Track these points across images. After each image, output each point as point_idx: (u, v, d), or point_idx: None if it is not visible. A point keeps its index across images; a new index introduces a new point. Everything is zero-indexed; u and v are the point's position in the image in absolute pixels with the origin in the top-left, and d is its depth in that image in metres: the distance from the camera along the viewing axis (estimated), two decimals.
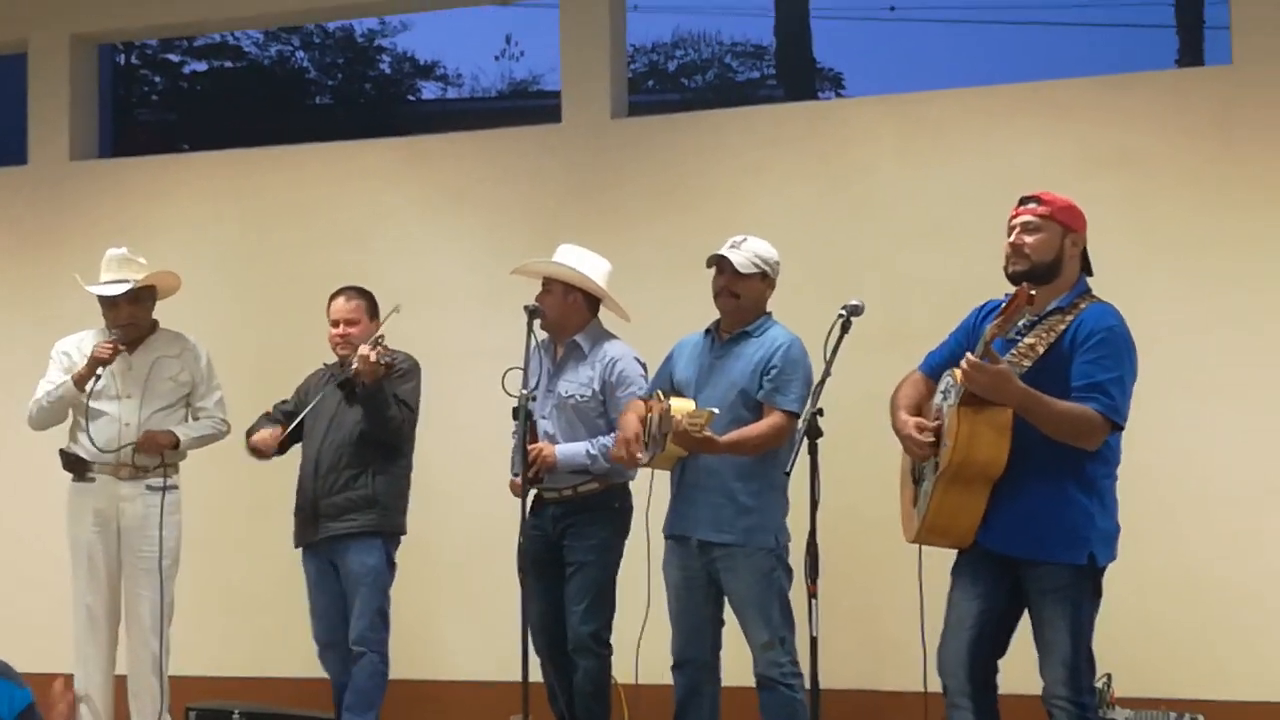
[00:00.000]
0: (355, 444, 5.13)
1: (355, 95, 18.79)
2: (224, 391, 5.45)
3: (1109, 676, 4.95)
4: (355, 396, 5.09)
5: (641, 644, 4.72)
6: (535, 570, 4.70)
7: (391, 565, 5.26)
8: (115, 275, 5.16)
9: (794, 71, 18.09)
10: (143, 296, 5.20)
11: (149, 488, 5.13)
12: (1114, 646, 4.98)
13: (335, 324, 5.26)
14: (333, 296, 5.33)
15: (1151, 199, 5.75)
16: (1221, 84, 5.81)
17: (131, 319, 5.14)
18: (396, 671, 5.31)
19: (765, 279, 4.62)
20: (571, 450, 4.82)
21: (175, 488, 5.21)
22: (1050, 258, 3.93)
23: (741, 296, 4.58)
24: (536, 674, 4.90)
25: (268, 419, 5.36)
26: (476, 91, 20.95)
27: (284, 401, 5.42)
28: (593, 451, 4.82)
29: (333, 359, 5.33)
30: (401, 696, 5.47)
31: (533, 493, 4.79)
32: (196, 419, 5.31)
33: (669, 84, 20.04)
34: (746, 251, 4.58)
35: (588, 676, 4.84)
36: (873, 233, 6.01)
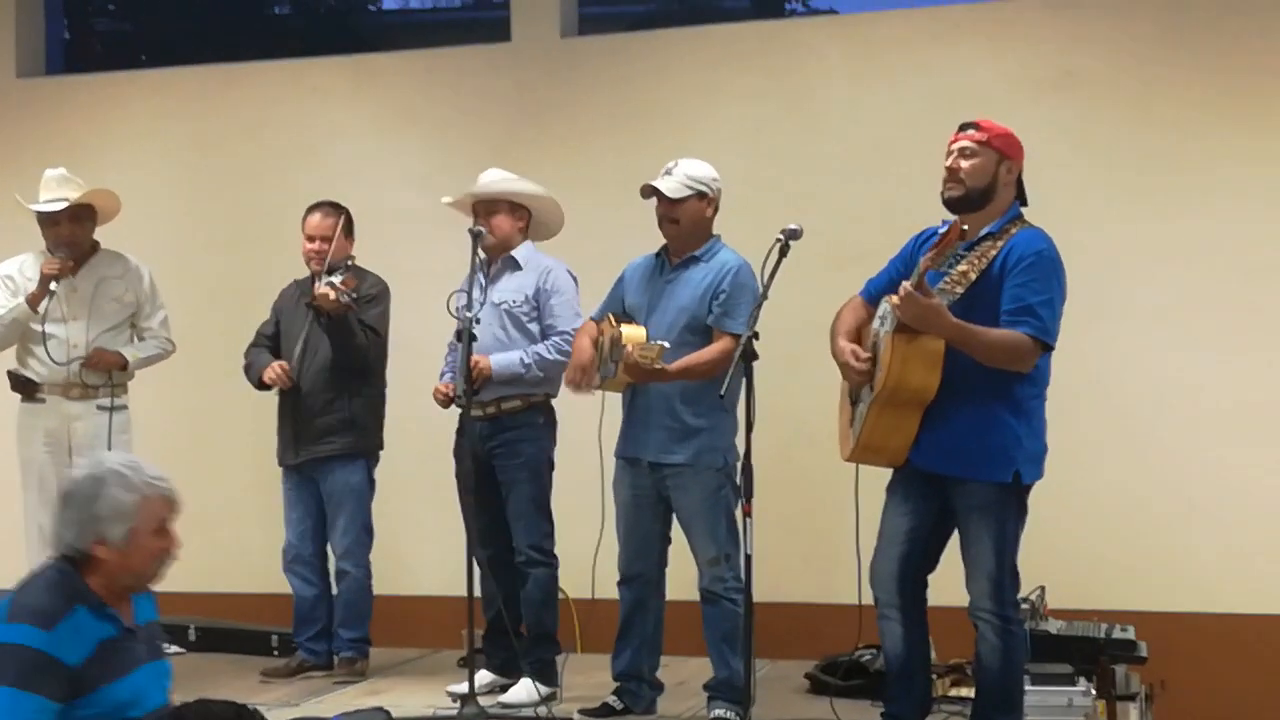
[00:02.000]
0: (330, 368, 5.21)
1: (313, 5, 18.52)
2: (179, 310, 5.47)
3: (1042, 589, 5.09)
4: (321, 324, 5.14)
5: (596, 561, 4.82)
6: (471, 484, 4.77)
7: (372, 483, 5.37)
8: (54, 194, 5.15)
9: None
10: (83, 215, 5.19)
11: (99, 407, 5.17)
12: (1048, 561, 5.16)
13: (311, 239, 5.26)
14: (308, 211, 5.32)
15: (1095, 120, 5.81)
16: (1162, 5, 5.84)
17: (72, 238, 5.14)
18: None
19: (703, 199, 4.63)
20: (506, 360, 4.87)
21: (124, 407, 5.26)
22: (984, 183, 3.99)
23: (681, 221, 4.61)
24: None
25: (257, 348, 5.38)
26: (439, 2, 20.67)
27: (264, 324, 5.43)
28: (526, 360, 4.88)
29: (301, 274, 5.35)
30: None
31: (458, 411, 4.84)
32: (142, 339, 5.34)
33: None
34: (678, 176, 4.60)
35: (537, 585, 4.95)
36: (822, 153, 6.06)
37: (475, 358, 4.76)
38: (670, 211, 4.60)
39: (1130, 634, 4.96)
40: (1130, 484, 5.69)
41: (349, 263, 5.19)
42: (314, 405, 5.23)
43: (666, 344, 4.39)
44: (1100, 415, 5.69)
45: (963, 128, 4.05)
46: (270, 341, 5.37)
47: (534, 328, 4.95)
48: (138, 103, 6.90)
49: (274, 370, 5.23)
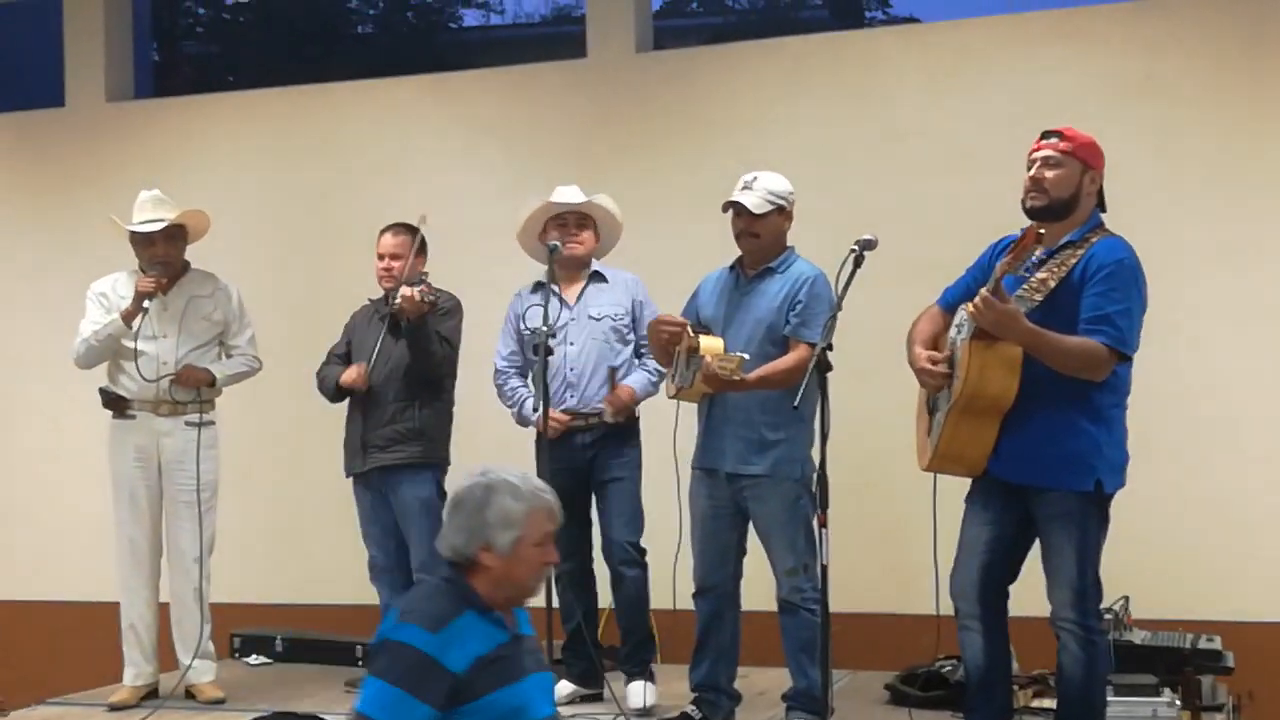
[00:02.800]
0: (402, 378, 5.27)
1: (397, 24, 18.78)
2: (261, 328, 5.58)
3: (1126, 599, 5.04)
4: (400, 331, 5.21)
5: (675, 572, 4.83)
6: (564, 499, 4.80)
7: (442, 494, 5.40)
8: (150, 215, 5.27)
9: None
10: (176, 235, 5.31)
11: (187, 423, 5.27)
12: (1133, 570, 5.12)
13: (381, 258, 5.37)
14: (381, 232, 5.42)
15: (1178, 127, 5.75)
16: (1248, 8, 5.77)
17: (166, 257, 5.26)
18: None
19: (782, 213, 4.67)
20: (641, 381, 5.00)
21: (212, 423, 5.35)
22: (1068, 194, 3.97)
23: (761, 235, 4.64)
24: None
25: (329, 365, 5.46)
26: (519, 18, 20.87)
27: (336, 344, 5.52)
28: (654, 378, 5.00)
29: (376, 294, 5.44)
30: None
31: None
32: (230, 357, 5.44)
33: (714, 5, 19.89)
34: (759, 191, 4.63)
35: (634, 585, 5.01)
36: (898, 163, 6.05)
37: (619, 390, 4.90)
38: (751, 226, 4.63)
39: (1217, 644, 4.91)
40: (1216, 492, 5.61)
41: (423, 277, 5.27)
42: (383, 414, 5.28)
43: (747, 355, 4.41)
44: (1184, 423, 5.62)
45: (1045, 135, 4.02)
46: (341, 360, 5.46)
47: (632, 337, 5.06)
48: (223, 124, 7.05)
49: (351, 372, 5.28)
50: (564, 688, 4.99)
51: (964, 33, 6.19)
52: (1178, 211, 5.66)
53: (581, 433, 4.98)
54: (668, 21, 18.32)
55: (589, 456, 4.99)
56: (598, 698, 5.05)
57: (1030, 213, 3.98)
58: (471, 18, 20.39)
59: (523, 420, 5.14)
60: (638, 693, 4.96)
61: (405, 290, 5.06)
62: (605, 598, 5.20)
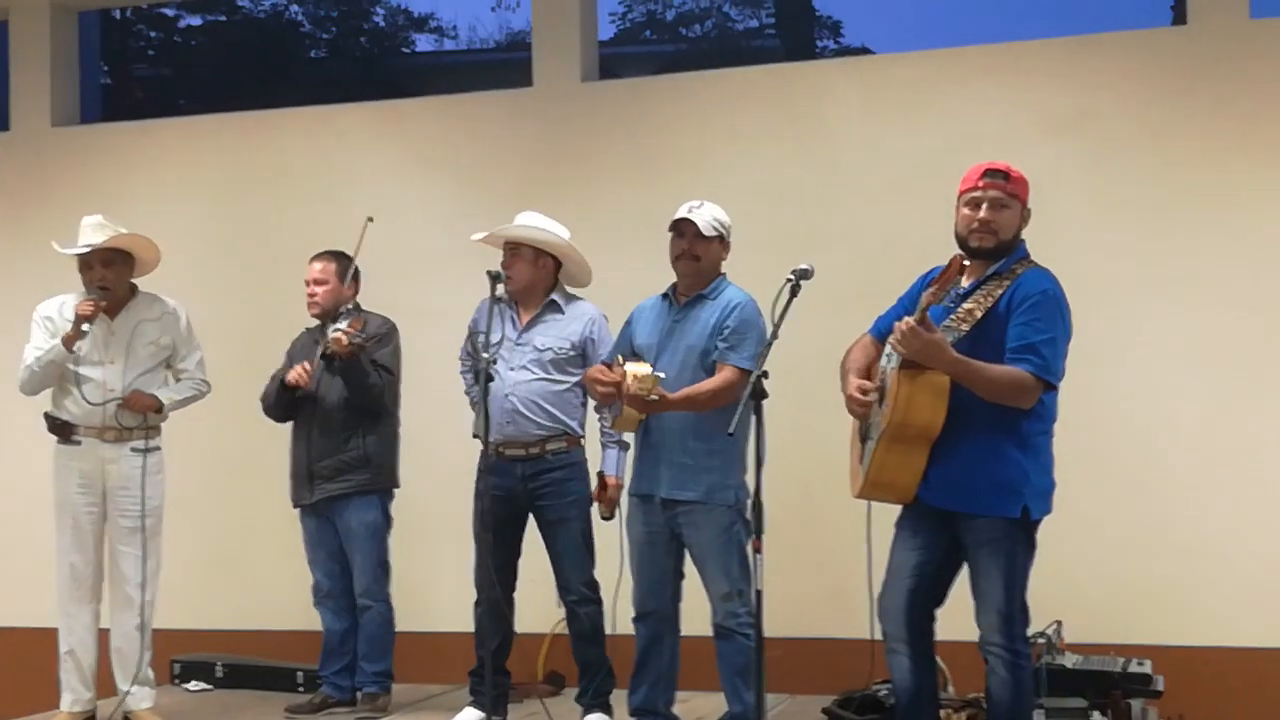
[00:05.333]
0: (344, 409, 5.34)
1: (350, 49, 18.79)
2: (209, 352, 5.59)
3: (1059, 623, 5.11)
4: (334, 368, 5.26)
5: (616, 597, 4.89)
6: (496, 525, 4.86)
7: (388, 519, 5.50)
8: (89, 240, 5.26)
9: (792, 20, 18.07)
10: (115, 260, 5.29)
11: (133, 449, 5.27)
12: (1066, 594, 5.22)
13: (307, 284, 5.46)
14: (311, 259, 5.53)
15: (1109, 160, 5.86)
16: (1178, 45, 5.91)
17: (105, 280, 5.24)
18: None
19: (723, 242, 4.76)
20: (617, 460, 5.02)
21: (158, 448, 5.36)
22: (1013, 235, 4.09)
23: (702, 259, 4.71)
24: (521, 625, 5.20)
25: (272, 382, 5.51)
26: (474, 43, 20.93)
27: (278, 370, 5.55)
28: (622, 447, 5.02)
29: (313, 322, 5.50)
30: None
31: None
32: (178, 380, 5.44)
33: (666, 33, 20.02)
34: (707, 214, 4.71)
35: (589, 621, 5.07)
36: (839, 193, 6.13)
37: (610, 487, 4.96)
38: (694, 248, 4.70)
39: (1147, 668, 4.97)
40: (1148, 518, 5.71)
41: (348, 307, 5.33)
42: (328, 444, 5.37)
43: (661, 374, 4.47)
44: (1117, 450, 5.71)
45: (990, 174, 4.09)
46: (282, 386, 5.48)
47: (576, 373, 5.06)
48: (170, 150, 7.06)
49: (295, 371, 5.33)
50: (471, 715, 5.04)
51: (903, 66, 6.29)
52: (1109, 244, 5.77)
53: (521, 462, 5.01)
54: (621, 49, 18.46)
55: (528, 487, 5.03)
56: None
57: (975, 253, 4.07)
58: (425, 43, 20.45)
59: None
60: None
61: (331, 334, 5.15)
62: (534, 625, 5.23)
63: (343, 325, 5.18)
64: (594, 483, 5.08)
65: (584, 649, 5.09)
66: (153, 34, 18.17)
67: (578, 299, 5.19)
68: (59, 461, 5.31)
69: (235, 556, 6.63)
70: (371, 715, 5.36)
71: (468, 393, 5.32)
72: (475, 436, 4.90)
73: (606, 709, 5.09)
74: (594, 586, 5.07)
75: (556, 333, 5.08)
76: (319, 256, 5.50)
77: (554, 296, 5.14)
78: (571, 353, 5.06)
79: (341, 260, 5.45)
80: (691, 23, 20.28)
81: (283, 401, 5.42)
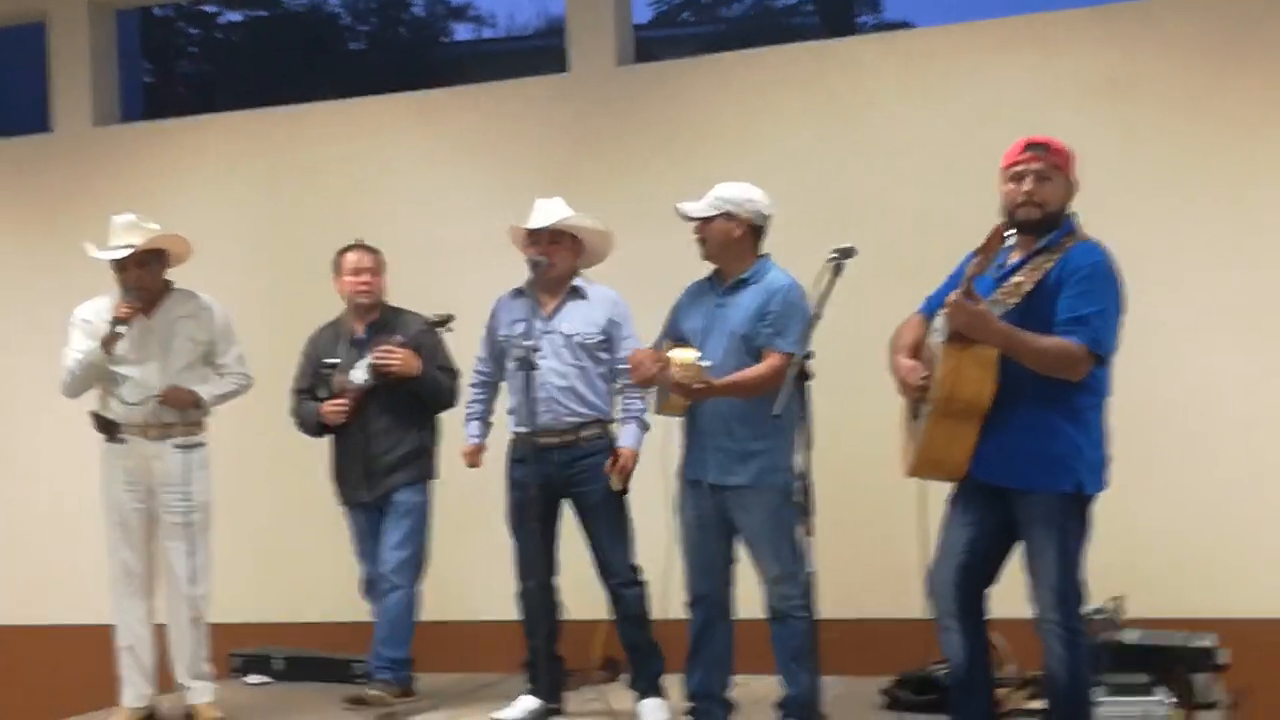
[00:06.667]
0: (401, 404, 5.38)
1: (389, 40, 18.84)
2: (255, 347, 5.59)
3: (1120, 598, 5.03)
4: (383, 379, 5.33)
5: (668, 581, 4.86)
6: (532, 514, 4.85)
7: (429, 503, 5.54)
8: (121, 240, 5.26)
9: None
10: (149, 260, 5.29)
11: (176, 446, 5.28)
12: (1128, 568, 5.15)
13: (357, 273, 5.44)
14: (344, 251, 5.52)
15: (1144, 130, 5.78)
16: (1209, 12, 5.79)
17: (139, 281, 5.25)
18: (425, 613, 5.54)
19: (730, 219, 4.65)
20: (636, 436, 5.04)
21: (202, 445, 5.36)
22: (1059, 207, 4.03)
23: (707, 240, 4.67)
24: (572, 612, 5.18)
25: (302, 405, 5.56)
26: (513, 30, 20.92)
27: (298, 379, 5.60)
28: (643, 425, 5.04)
29: (331, 316, 5.55)
30: (426, 637, 5.63)
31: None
32: (219, 375, 5.44)
33: (705, 15, 19.93)
34: (708, 196, 4.66)
35: (634, 602, 5.06)
36: (878, 170, 6.07)
37: (624, 455, 4.96)
38: (700, 232, 4.66)
39: (1210, 641, 4.89)
40: (1209, 489, 5.62)
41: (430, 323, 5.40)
42: (384, 443, 5.41)
43: (707, 362, 4.43)
44: (1174, 420, 5.62)
45: (1031, 147, 4.03)
46: (309, 395, 5.55)
47: (604, 356, 5.05)
48: (210, 146, 7.08)
49: (328, 408, 5.40)
50: (529, 703, 5.03)
51: (936, 39, 6.23)
52: (1147, 214, 5.68)
53: (557, 449, 4.98)
54: (659, 31, 18.38)
55: (565, 474, 5.00)
56: (559, 712, 5.07)
57: (1022, 225, 4.00)
58: (463, 32, 20.46)
59: (469, 437, 5.26)
60: (650, 710, 5.00)
61: (390, 359, 5.23)
62: (585, 612, 5.25)
63: (369, 361, 5.30)
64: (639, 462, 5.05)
65: (631, 632, 5.07)
66: (193, 31, 18.28)
67: (595, 284, 5.18)
68: (105, 460, 5.34)
69: (285, 550, 6.65)
70: (392, 713, 5.30)
71: (475, 402, 5.27)
72: (517, 430, 4.88)
73: (660, 693, 5.06)
74: (636, 569, 5.05)
75: (582, 318, 5.06)
76: (356, 248, 5.50)
77: (576, 283, 5.13)
78: (600, 337, 5.05)
79: (379, 253, 5.48)
80: (729, 2, 20.17)
81: (322, 429, 5.49)
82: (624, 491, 5.01)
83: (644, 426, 5.05)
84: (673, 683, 4.98)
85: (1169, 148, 5.73)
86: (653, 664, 5.09)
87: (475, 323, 5.37)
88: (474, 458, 5.22)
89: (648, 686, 5.06)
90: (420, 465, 5.47)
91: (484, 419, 5.25)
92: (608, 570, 5.04)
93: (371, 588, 5.54)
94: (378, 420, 5.41)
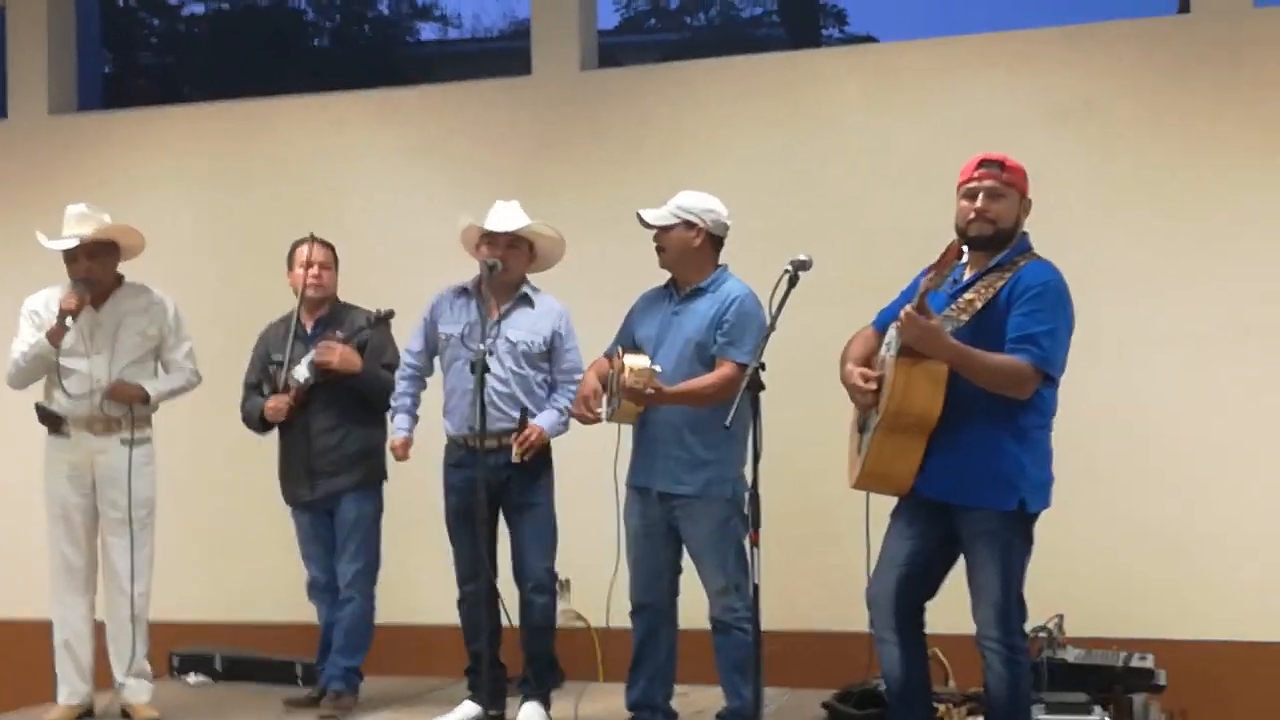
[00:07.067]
0: (345, 402, 5.33)
1: (354, 38, 18.74)
2: (202, 345, 5.54)
3: (1060, 617, 5.09)
4: (324, 376, 5.27)
5: (613, 590, 4.84)
6: (469, 517, 4.82)
7: (381, 510, 5.48)
8: (73, 231, 5.20)
9: (797, 8, 18.00)
10: (100, 251, 5.22)
11: (121, 441, 5.22)
12: (1068, 588, 5.19)
13: (308, 266, 5.41)
14: (297, 245, 5.48)
15: (1114, 150, 5.82)
16: (1180, 34, 5.86)
17: (89, 273, 5.19)
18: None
19: (691, 228, 4.65)
20: (551, 420, 5.00)
21: (148, 440, 5.31)
22: (1011, 224, 4.04)
23: (666, 249, 4.67)
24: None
25: (250, 401, 5.50)
26: (479, 32, 20.85)
27: (249, 373, 5.55)
28: (563, 417, 5.01)
29: (284, 311, 5.50)
30: (384, 640, 5.61)
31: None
32: (167, 371, 5.39)
33: (670, 22, 19.95)
34: (669, 205, 4.67)
35: (543, 611, 5.04)
36: (842, 183, 6.09)
37: (529, 430, 4.90)
38: (657, 239, 4.67)
39: (1149, 662, 4.95)
40: (1151, 511, 5.67)
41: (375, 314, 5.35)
42: (326, 441, 5.34)
43: (658, 367, 4.44)
44: (1119, 442, 5.67)
45: (985, 165, 4.06)
46: (256, 389, 5.50)
47: (544, 365, 5.05)
48: (168, 138, 7.02)
49: (270, 404, 5.35)
50: (470, 709, 5.01)
51: (906, 55, 6.25)
52: (1113, 236, 5.73)
53: (494, 453, 4.92)
54: (624, 38, 18.37)
55: (502, 477, 4.96)
56: (501, 718, 5.06)
57: (973, 242, 4.03)
58: (429, 32, 20.38)
59: (394, 429, 5.19)
60: (528, 714, 4.98)
61: (328, 356, 5.18)
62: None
63: (308, 363, 5.25)
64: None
65: (534, 641, 5.04)
66: (155, 21, 18.11)
67: (542, 292, 5.16)
68: (49, 454, 5.27)
69: (231, 548, 6.60)
70: (334, 715, 5.28)
71: (404, 395, 5.21)
72: (468, 429, 4.85)
73: (545, 702, 5.04)
74: (553, 576, 5.04)
75: (528, 326, 5.04)
76: (310, 241, 5.45)
77: (525, 290, 5.11)
78: (542, 347, 5.03)
79: (332, 249, 5.46)
80: (695, 10, 20.21)
81: (265, 425, 5.43)
82: (516, 460, 4.91)
83: (563, 424, 5.00)
84: (615, 691, 4.96)
85: (1137, 168, 5.78)
86: (548, 677, 5.09)
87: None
88: (403, 451, 5.14)
89: (535, 692, 5.03)
90: (367, 467, 5.40)
91: (411, 412, 5.19)
92: (522, 574, 5.02)
93: (315, 590, 5.50)
94: (319, 418, 5.33)
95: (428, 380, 5.24)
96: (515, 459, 4.90)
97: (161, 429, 5.42)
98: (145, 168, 6.92)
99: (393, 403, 5.23)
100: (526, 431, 4.90)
